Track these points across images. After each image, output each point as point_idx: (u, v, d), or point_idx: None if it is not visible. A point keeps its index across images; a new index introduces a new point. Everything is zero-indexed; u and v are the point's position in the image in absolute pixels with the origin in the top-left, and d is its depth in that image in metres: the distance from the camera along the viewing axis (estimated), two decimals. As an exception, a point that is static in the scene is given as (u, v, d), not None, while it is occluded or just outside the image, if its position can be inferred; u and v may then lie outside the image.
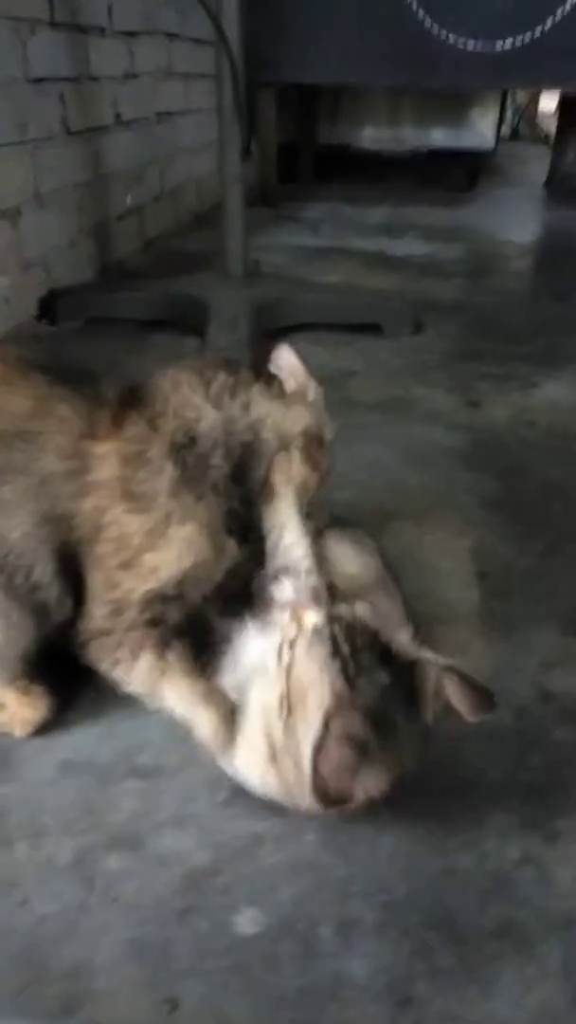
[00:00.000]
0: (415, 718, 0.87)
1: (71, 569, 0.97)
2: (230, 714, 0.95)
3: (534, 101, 7.83)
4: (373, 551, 1.17)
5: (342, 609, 0.93)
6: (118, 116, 2.88)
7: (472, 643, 1.22)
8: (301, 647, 0.89)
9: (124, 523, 0.95)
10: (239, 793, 0.96)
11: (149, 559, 0.96)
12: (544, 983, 0.78)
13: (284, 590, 0.99)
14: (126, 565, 0.96)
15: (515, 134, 7.71)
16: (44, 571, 0.95)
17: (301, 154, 4.87)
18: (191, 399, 1.00)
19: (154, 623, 0.98)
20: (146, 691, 1.00)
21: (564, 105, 4.98)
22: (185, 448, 0.97)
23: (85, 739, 1.03)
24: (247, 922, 0.83)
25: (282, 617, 0.94)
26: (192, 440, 0.97)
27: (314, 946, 0.81)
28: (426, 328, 2.52)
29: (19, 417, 0.95)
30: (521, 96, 7.39)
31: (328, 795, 0.84)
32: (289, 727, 0.86)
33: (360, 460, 1.69)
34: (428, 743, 0.89)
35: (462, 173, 4.99)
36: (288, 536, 1.02)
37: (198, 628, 1.02)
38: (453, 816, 0.95)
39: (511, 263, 3.45)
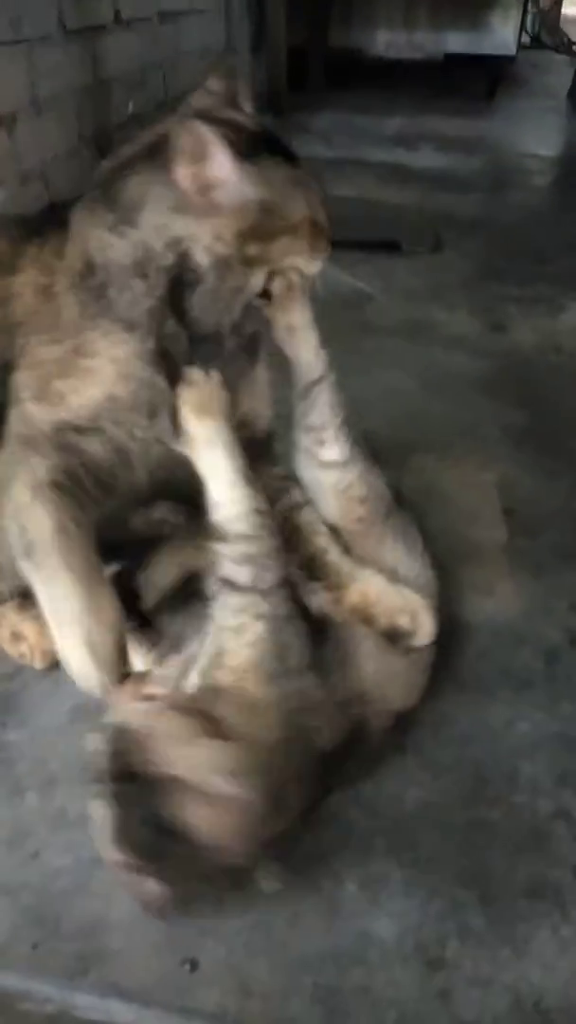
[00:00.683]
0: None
1: None
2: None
3: (557, 5, 7.37)
4: None
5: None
6: (117, 15, 2.67)
7: (498, 584, 1.16)
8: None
9: (38, 355, 0.88)
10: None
11: (57, 386, 0.88)
12: (579, 945, 0.75)
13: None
14: (39, 396, 0.88)
15: (536, 41, 7.28)
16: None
17: (311, 59, 4.58)
18: (92, 225, 0.88)
19: (65, 452, 0.88)
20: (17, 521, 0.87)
21: (592, 6, 4.66)
22: (85, 279, 0.87)
23: (95, 684, 0.98)
24: (269, 877, 0.79)
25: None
26: (91, 269, 0.87)
27: (338, 904, 0.77)
28: (446, 246, 2.39)
29: None
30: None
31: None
32: None
33: (378, 388, 1.60)
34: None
35: (481, 82, 4.71)
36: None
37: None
38: (482, 767, 0.90)
39: (533, 178, 3.27)
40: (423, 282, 2.15)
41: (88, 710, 0.95)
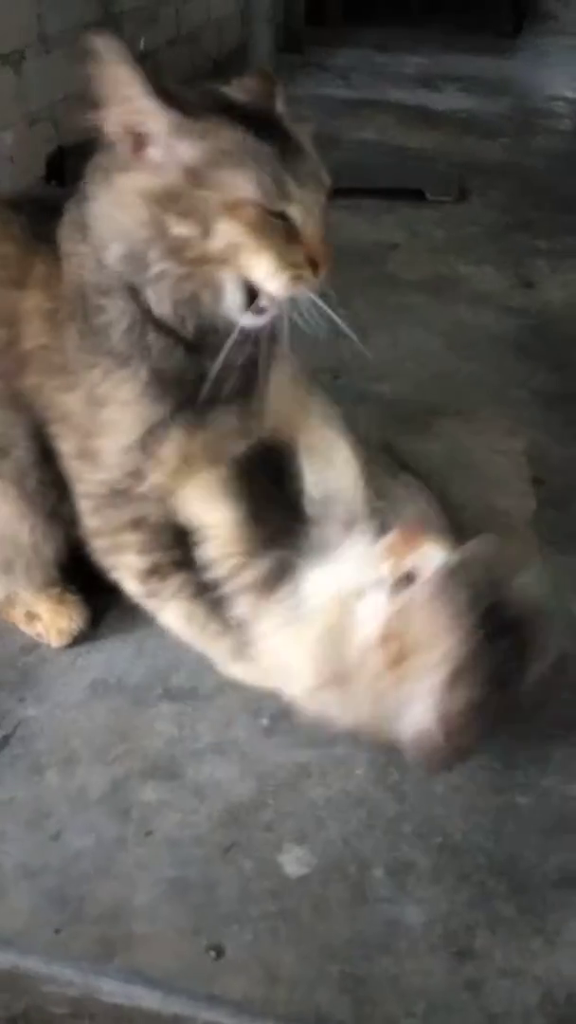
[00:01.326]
0: (523, 679, 0.78)
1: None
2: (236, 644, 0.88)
3: None
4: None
5: (469, 551, 0.81)
6: (130, -57, 2.55)
7: (526, 557, 1.12)
8: (424, 591, 0.78)
9: (61, 405, 0.83)
10: (281, 719, 0.90)
11: (92, 445, 0.83)
12: (613, 939, 0.73)
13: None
14: (81, 454, 0.84)
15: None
16: (26, 456, 0.86)
17: (330, -8, 4.38)
18: (70, 240, 0.80)
19: (136, 524, 0.86)
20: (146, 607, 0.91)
21: None
22: (75, 307, 0.80)
23: (116, 658, 0.96)
24: (294, 862, 0.78)
25: (373, 547, 0.83)
26: (78, 295, 0.79)
27: (365, 891, 0.76)
28: (471, 194, 2.30)
29: None
30: None
31: (439, 753, 0.77)
32: (394, 674, 0.77)
33: (403, 348, 1.55)
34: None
35: (507, 17, 4.50)
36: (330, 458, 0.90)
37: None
38: (511, 751, 0.88)
39: (562, 121, 3.13)
40: (448, 233, 2.07)
41: (108, 684, 0.94)
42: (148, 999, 0.70)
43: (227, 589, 0.86)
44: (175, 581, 0.89)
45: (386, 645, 0.77)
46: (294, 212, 0.73)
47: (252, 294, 0.77)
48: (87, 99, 0.76)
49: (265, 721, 0.90)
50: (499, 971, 0.71)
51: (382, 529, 0.86)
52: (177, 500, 0.86)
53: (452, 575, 0.78)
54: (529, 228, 2.10)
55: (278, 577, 0.84)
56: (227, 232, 0.72)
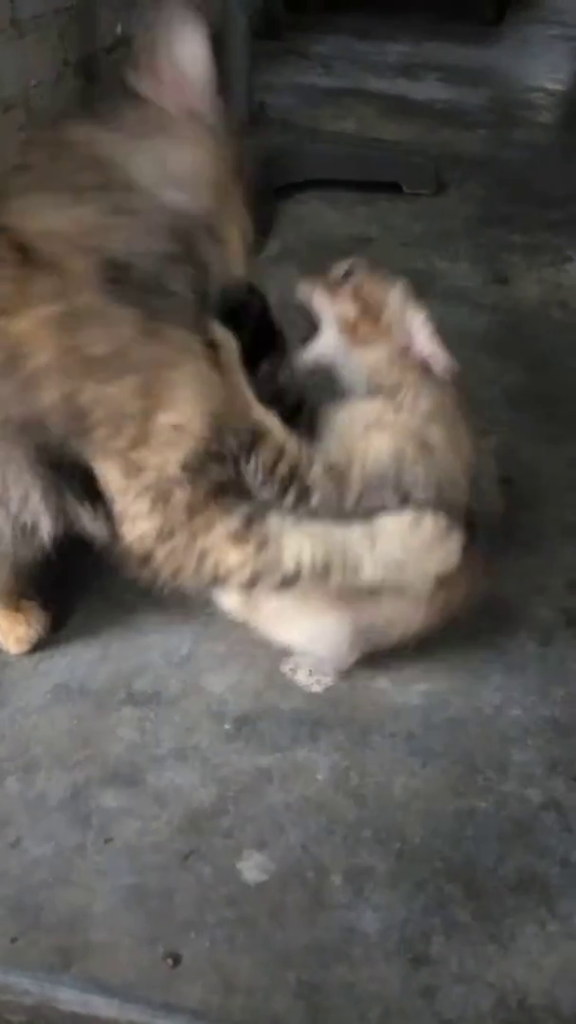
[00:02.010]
0: None
1: (69, 472, 0.82)
2: None
3: None
4: None
5: None
6: None
7: (493, 558, 1.13)
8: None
9: (107, 397, 0.77)
10: (245, 723, 0.90)
11: (163, 419, 0.78)
12: (566, 941, 0.74)
13: None
14: (140, 441, 0.78)
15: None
16: (22, 490, 0.81)
17: (311, -23, 4.34)
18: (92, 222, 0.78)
19: (217, 493, 0.80)
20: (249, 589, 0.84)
21: None
22: (113, 278, 0.76)
23: (79, 662, 0.96)
24: (253, 869, 0.78)
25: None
26: (114, 264, 0.76)
27: (323, 897, 0.76)
28: (448, 187, 2.29)
29: None
30: None
31: None
32: None
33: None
34: None
35: (489, 4, 4.47)
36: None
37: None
38: (472, 755, 0.89)
39: (542, 113, 3.12)
40: (424, 227, 2.06)
41: (70, 689, 0.93)
42: (105, 1008, 0.70)
43: None
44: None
45: None
46: None
47: None
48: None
49: (228, 726, 0.90)
50: (453, 977, 0.72)
51: None
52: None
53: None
54: (504, 223, 2.10)
55: None
56: None
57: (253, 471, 0.84)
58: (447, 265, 1.88)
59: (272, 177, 2.06)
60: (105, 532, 0.83)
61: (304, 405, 0.93)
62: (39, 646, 0.96)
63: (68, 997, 0.70)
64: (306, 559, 0.81)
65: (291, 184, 2.12)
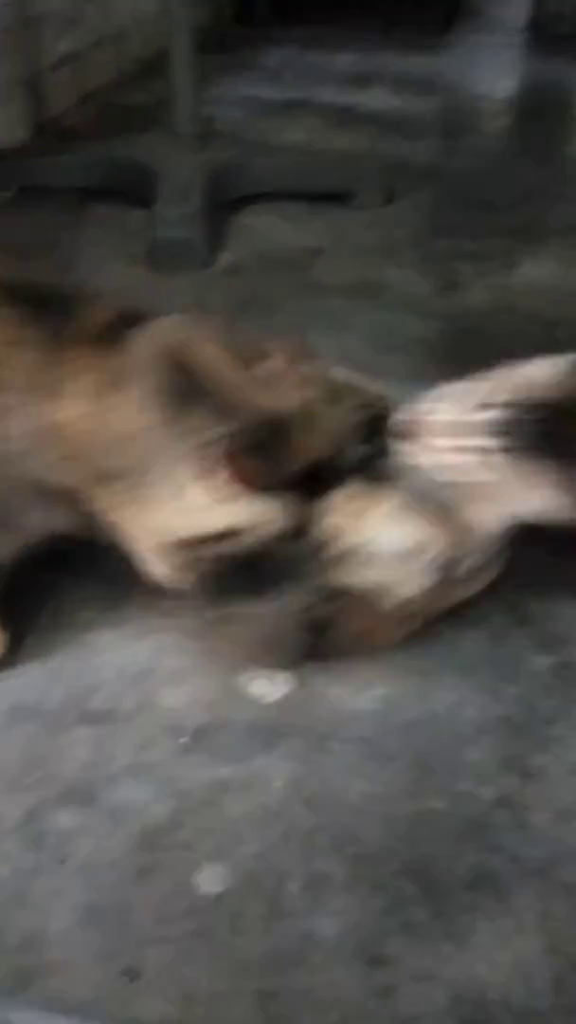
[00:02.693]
0: None
1: None
2: None
3: None
4: None
5: None
6: (47, -58, 2.51)
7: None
8: None
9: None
10: (202, 736, 0.90)
11: None
12: (519, 936, 0.76)
13: None
14: None
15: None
16: None
17: (259, -11, 4.37)
18: None
19: None
20: None
21: None
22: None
23: (31, 682, 0.96)
24: (210, 881, 0.79)
25: None
26: None
27: (281, 905, 0.77)
28: (398, 197, 2.32)
29: None
30: None
31: None
32: None
33: (326, 353, 1.54)
34: None
35: (437, 13, 4.53)
36: None
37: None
38: (426, 756, 0.90)
39: (489, 121, 3.18)
40: (375, 237, 2.08)
41: (24, 710, 0.93)
42: (64, 1027, 0.70)
43: None
44: None
45: None
46: None
47: None
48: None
49: (185, 739, 0.91)
50: (411, 976, 0.73)
51: None
52: None
53: None
54: (453, 231, 2.13)
55: None
56: None
57: None
58: (398, 273, 1.90)
59: (222, 191, 2.08)
60: None
61: None
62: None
63: (28, 1018, 0.70)
64: None
65: (241, 197, 2.14)
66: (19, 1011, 0.70)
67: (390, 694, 0.96)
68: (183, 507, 0.84)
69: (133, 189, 2.07)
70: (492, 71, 3.86)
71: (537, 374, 0.93)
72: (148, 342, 0.85)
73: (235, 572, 0.87)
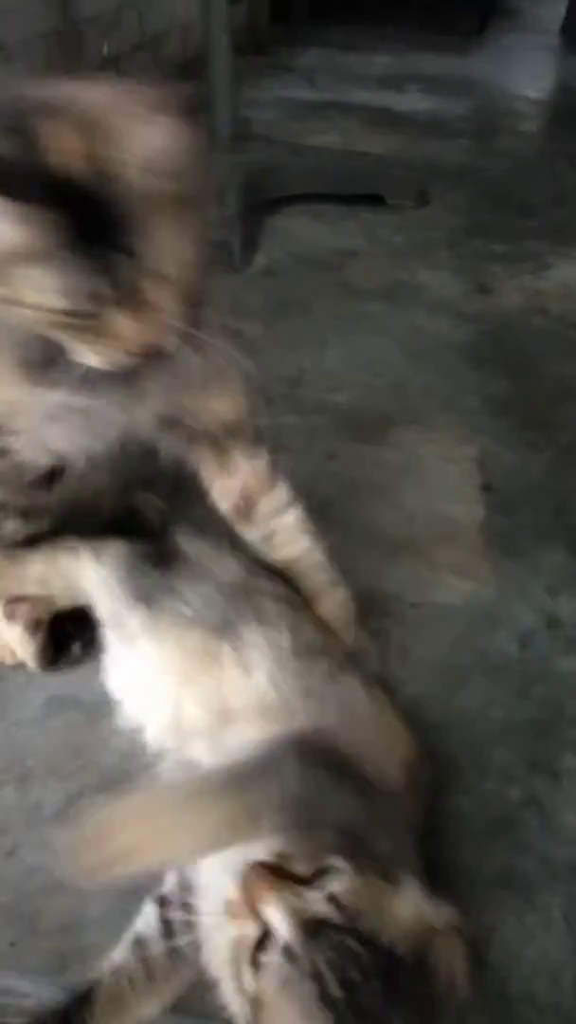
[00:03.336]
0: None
1: None
2: None
3: None
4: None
5: (315, 902, 0.60)
6: (89, -52, 2.55)
7: (474, 564, 1.16)
8: (271, 981, 0.59)
9: None
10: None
11: None
12: (545, 933, 0.77)
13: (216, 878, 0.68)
14: None
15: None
16: None
17: (295, -10, 4.39)
18: None
19: None
20: None
21: None
22: None
23: (71, 675, 0.98)
24: (242, 871, 0.80)
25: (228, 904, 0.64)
26: None
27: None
28: (432, 199, 2.32)
29: None
30: None
31: None
32: None
33: (360, 357, 1.58)
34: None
35: (472, 15, 4.52)
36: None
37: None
38: (455, 755, 0.91)
39: (523, 122, 3.17)
40: (407, 239, 2.10)
41: (64, 701, 0.96)
42: (100, 1008, 0.72)
43: None
44: None
45: None
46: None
47: None
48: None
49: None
50: (437, 971, 0.74)
51: None
52: None
53: (294, 962, 0.58)
54: (486, 233, 2.14)
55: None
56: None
57: None
58: (430, 275, 1.91)
59: (257, 192, 2.10)
60: None
61: None
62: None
63: (66, 999, 0.73)
64: None
65: (277, 199, 2.16)
66: (58, 991, 0.73)
67: (420, 693, 0.97)
68: None
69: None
70: (526, 72, 3.84)
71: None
72: None
73: None
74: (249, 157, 2.22)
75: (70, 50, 2.50)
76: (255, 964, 0.60)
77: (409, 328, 1.70)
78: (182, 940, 0.70)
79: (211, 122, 2.23)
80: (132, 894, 0.78)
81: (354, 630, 0.92)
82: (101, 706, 0.95)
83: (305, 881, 0.62)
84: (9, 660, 0.98)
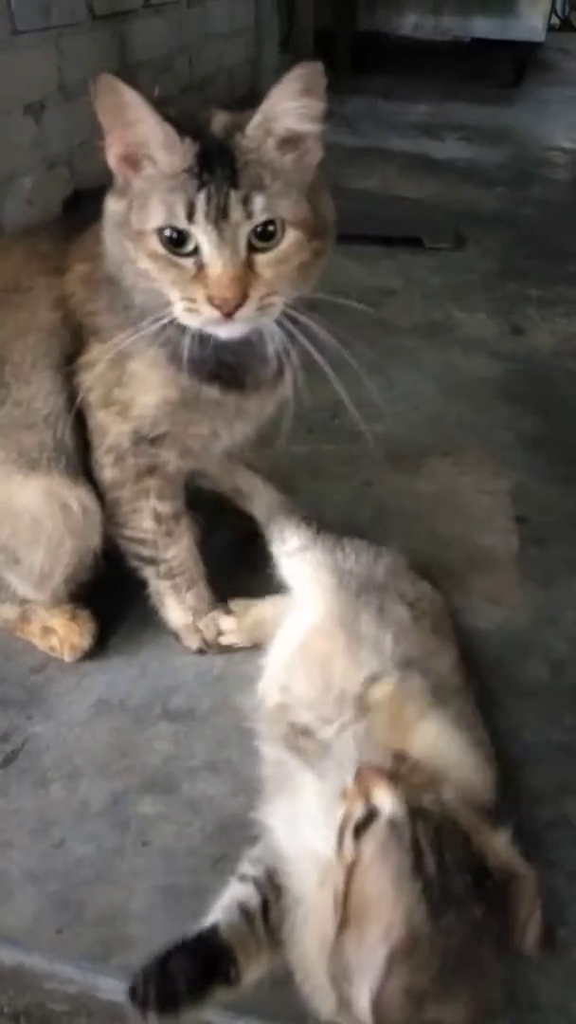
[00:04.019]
0: (503, 953, 0.64)
1: None
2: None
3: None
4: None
5: (428, 800, 0.68)
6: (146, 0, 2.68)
7: (508, 593, 1.19)
8: (371, 843, 0.64)
9: (94, 355, 0.90)
10: (272, 740, 0.96)
11: (118, 395, 0.92)
12: (574, 948, 0.79)
13: (344, 744, 0.78)
14: (105, 403, 0.93)
15: (565, 24, 7.15)
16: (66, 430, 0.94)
17: (338, 42, 4.54)
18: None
19: (151, 470, 0.97)
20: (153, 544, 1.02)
21: (624, -8, 4.59)
22: (110, 286, 0.88)
23: (119, 679, 1.03)
24: (280, 873, 0.83)
25: (344, 780, 0.71)
26: (111, 281, 0.88)
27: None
28: (468, 242, 2.39)
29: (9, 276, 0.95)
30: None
31: None
32: (341, 944, 0.63)
33: (397, 390, 1.63)
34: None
35: (508, 67, 4.65)
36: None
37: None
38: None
39: (559, 171, 3.25)
40: (443, 280, 2.16)
41: (111, 704, 1.00)
42: (142, 997, 0.75)
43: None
44: (185, 522, 1.02)
45: (337, 907, 0.65)
46: (204, 248, 0.78)
47: None
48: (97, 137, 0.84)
49: (257, 741, 0.96)
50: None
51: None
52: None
53: (395, 831, 0.64)
54: (522, 276, 2.19)
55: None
56: (141, 259, 0.80)
57: None
58: (465, 316, 1.97)
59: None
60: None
61: None
62: (86, 657, 1.03)
63: (109, 986, 0.76)
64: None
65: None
66: (101, 978, 0.76)
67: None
68: None
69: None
70: (562, 122, 3.94)
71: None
72: None
73: None
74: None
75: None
76: (358, 834, 0.65)
77: (445, 364, 1.75)
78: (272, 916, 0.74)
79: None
80: (177, 888, 0.82)
81: None
82: (146, 710, 0.99)
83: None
84: (68, 656, 1.02)
